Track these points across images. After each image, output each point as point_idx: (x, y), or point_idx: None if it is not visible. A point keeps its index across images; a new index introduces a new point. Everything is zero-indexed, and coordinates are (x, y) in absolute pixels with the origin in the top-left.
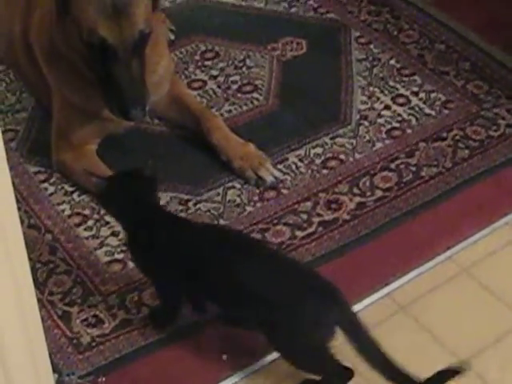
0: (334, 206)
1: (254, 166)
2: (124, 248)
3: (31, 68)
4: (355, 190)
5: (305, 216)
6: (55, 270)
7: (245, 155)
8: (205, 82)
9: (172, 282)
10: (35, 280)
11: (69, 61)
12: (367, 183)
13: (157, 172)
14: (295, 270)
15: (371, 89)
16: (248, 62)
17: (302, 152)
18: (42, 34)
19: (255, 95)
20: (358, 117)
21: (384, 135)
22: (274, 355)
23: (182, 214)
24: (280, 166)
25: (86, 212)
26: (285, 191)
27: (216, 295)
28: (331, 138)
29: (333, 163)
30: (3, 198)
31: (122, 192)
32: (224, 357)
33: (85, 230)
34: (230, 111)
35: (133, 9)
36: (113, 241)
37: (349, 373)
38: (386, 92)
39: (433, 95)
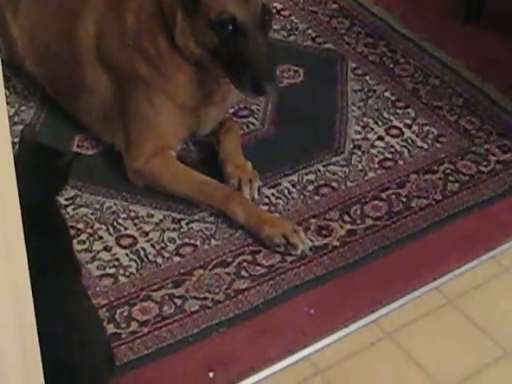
0: (324, 231)
1: (286, 232)
2: (116, 263)
3: (96, 72)
4: (346, 218)
5: None
6: None
7: (275, 222)
8: None
9: None
10: None
11: (180, 59)
12: (358, 211)
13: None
14: None
15: (365, 119)
16: None
17: (295, 178)
18: (152, 36)
19: (251, 120)
20: (351, 146)
21: (376, 165)
22: (263, 374)
23: (175, 233)
24: (273, 191)
25: (80, 226)
26: (276, 215)
27: None
28: (324, 166)
29: (325, 190)
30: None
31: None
32: (210, 374)
33: (78, 243)
34: None
35: None
36: (105, 255)
37: None
38: (380, 123)
39: (426, 128)
